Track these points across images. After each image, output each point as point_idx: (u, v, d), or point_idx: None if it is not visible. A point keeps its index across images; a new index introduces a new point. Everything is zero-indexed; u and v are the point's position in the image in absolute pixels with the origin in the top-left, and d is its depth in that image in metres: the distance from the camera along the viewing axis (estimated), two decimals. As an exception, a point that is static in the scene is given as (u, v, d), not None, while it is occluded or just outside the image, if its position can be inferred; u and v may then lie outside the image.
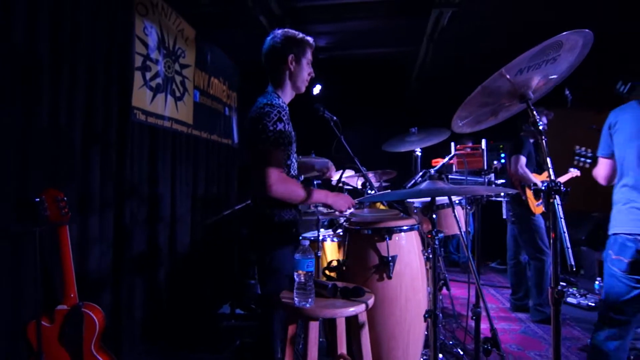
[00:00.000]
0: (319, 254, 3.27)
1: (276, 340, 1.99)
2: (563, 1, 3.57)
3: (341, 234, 2.98)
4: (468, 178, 2.27)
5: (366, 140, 4.49)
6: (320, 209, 2.90)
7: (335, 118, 2.66)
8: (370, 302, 1.69)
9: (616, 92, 4.52)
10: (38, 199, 2.00)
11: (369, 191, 3.41)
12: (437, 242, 1.59)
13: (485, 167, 2.30)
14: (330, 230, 3.42)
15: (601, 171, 2.11)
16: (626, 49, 4.37)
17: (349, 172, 3.33)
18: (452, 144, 2.84)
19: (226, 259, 4.15)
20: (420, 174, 2.72)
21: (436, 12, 3.59)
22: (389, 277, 1.92)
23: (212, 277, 3.92)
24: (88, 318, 2.13)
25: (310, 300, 1.63)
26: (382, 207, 3.75)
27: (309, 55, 2.08)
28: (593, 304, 3.97)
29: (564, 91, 4.18)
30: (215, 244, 4.12)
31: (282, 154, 1.86)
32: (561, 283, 4.08)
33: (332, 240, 3.67)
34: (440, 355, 2.40)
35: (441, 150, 3.33)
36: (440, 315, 1.68)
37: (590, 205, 3.59)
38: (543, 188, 1.28)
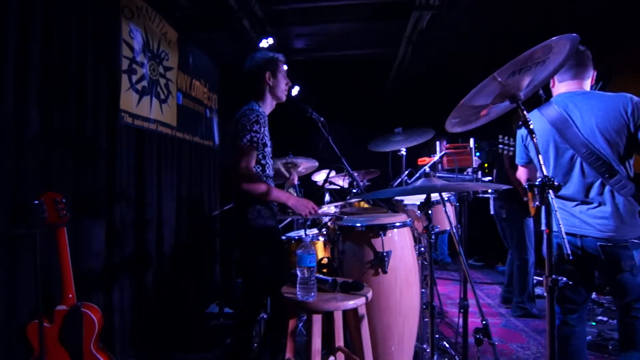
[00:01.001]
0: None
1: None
2: (540, 6, 3.74)
3: (325, 232, 3.07)
4: (457, 176, 2.38)
5: (345, 140, 4.59)
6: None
7: (322, 119, 2.75)
8: (370, 295, 1.77)
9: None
10: (37, 202, 2.01)
11: (353, 190, 3.52)
12: (432, 237, 1.68)
13: (474, 165, 2.42)
14: (314, 229, 3.50)
15: (522, 175, 2.19)
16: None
17: (332, 173, 3.42)
18: (438, 143, 2.96)
19: (211, 259, 4.16)
20: (406, 172, 2.83)
21: (416, 14, 3.71)
22: (385, 272, 2.01)
23: (199, 277, 3.94)
24: (87, 318, 2.15)
25: (312, 294, 1.70)
26: (365, 205, 3.85)
27: (282, 69, 2.37)
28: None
29: (537, 91, 4.38)
30: (199, 244, 4.13)
31: (254, 152, 2.11)
32: (536, 277, 4.24)
33: (317, 239, 3.73)
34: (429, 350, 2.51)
35: (422, 150, 3.45)
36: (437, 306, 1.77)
37: None
38: (537, 183, 1.37)
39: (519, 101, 1.57)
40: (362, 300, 1.72)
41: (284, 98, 2.36)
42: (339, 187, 3.31)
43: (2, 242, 2.06)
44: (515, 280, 3.71)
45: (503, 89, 1.55)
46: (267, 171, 2.24)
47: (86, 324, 2.14)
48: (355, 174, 3.54)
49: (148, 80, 3.33)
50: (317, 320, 1.69)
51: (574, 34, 1.35)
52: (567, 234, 1.93)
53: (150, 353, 3.00)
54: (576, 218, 1.94)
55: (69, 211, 2.35)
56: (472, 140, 2.52)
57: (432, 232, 1.70)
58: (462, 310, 2.41)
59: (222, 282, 3.74)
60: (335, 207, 4.04)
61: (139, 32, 3.22)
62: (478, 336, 1.95)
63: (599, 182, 1.89)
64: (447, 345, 2.92)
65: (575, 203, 1.95)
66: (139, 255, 3.21)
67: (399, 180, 2.75)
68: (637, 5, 3.54)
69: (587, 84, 2.01)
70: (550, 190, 1.38)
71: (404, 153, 3.00)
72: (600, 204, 1.89)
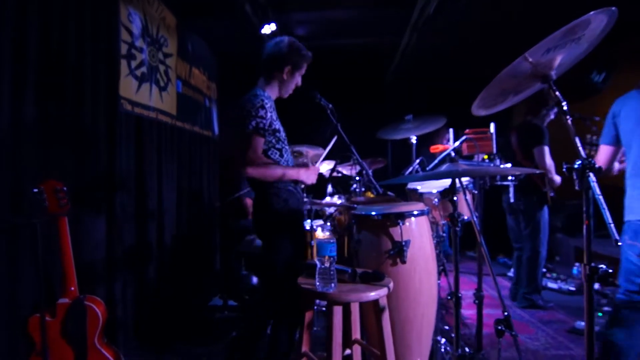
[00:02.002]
0: (312, 243, 3.26)
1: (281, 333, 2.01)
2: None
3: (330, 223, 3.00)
4: (479, 163, 2.30)
5: (344, 128, 4.49)
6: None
7: (330, 106, 2.66)
8: (391, 285, 1.70)
9: (590, 81, 4.60)
10: (36, 190, 1.90)
11: (357, 178, 3.43)
12: (459, 225, 1.61)
13: (495, 151, 2.35)
14: (319, 220, 3.42)
15: (600, 157, 2.13)
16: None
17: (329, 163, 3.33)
18: (451, 130, 2.89)
19: (212, 250, 4.08)
20: (418, 161, 2.76)
21: (423, 1, 3.62)
22: (403, 262, 1.94)
23: (201, 269, 3.85)
24: (91, 311, 2.06)
25: (333, 285, 1.63)
26: (371, 195, 3.77)
27: (303, 70, 2.26)
28: (573, 289, 4.09)
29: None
30: (201, 235, 4.04)
31: (261, 139, 2.02)
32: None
33: (323, 231, 3.65)
34: (444, 340, 2.45)
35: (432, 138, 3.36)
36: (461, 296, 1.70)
37: (565, 193, 3.71)
38: (576, 167, 1.28)
39: (551, 81, 1.48)
40: (384, 290, 1.64)
41: (286, 96, 2.27)
42: (344, 176, 3.22)
43: (1, 233, 1.96)
44: (524, 271, 3.64)
45: (534, 69, 1.45)
46: (286, 156, 2.15)
47: (90, 318, 2.05)
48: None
49: (147, 66, 3.20)
50: (337, 312, 1.61)
51: (613, 8, 1.27)
52: None
53: (154, 346, 2.92)
54: None
55: (69, 202, 2.26)
56: (492, 125, 2.45)
57: (459, 220, 1.63)
58: (476, 301, 2.35)
59: (225, 275, 3.64)
60: (340, 198, 3.95)
61: (138, 16, 3.09)
62: (500, 327, 1.88)
63: None
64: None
65: None
66: (140, 247, 3.11)
67: (410, 169, 2.67)
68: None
69: None
70: (591, 173, 1.30)
71: (415, 141, 2.92)
72: None
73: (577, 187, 1.31)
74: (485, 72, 6.21)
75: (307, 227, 3.28)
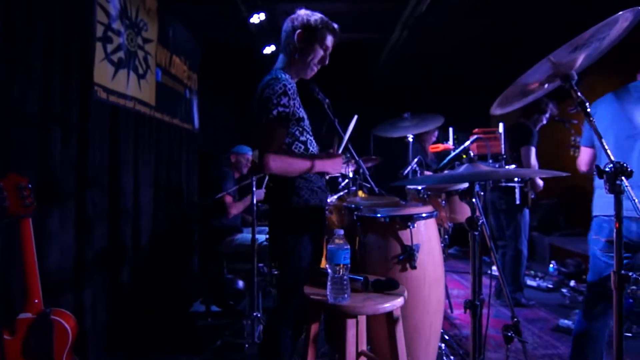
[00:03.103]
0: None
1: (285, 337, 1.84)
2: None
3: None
4: (491, 164, 2.22)
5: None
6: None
7: (327, 100, 2.51)
8: (406, 294, 1.56)
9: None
10: (-5, 186, 1.64)
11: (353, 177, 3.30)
12: (478, 230, 1.50)
13: (503, 152, 2.27)
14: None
15: (581, 158, 2.19)
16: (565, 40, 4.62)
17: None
18: (451, 129, 2.80)
19: (191, 252, 3.85)
20: (416, 160, 2.65)
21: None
22: (413, 267, 1.81)
23: (180, 273, 3.61)
24: (59, 327, 1.82)
25: (346, 295, 1.48)
26: (362, 194, 3.65)
27: (326, 40, 1.90)
28: (552, 286, 4.20)
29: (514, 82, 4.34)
30: (179, 236, 3.80)
31: (284, 130, 1.77)
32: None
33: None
34: (444, 346, 2.36)
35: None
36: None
37: (540, 193, 3.78)
38: (607, 170, 1.22)
39: (572, 81, 1.42)
40: (400, 300, 1.51)
41: (308, 75, 1.95)
42: (340, 175, 3.09)
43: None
44: (507, 270, 3.70)
45: (556, 69, 1.42)
46: (311, 148, 1.89)
47: (57, 335, 1.80)
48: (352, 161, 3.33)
49: (125, 51, 2.94)
50: (351, 325, 1.46)
51: (638, 7, 1.22)
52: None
53: (131, 357, 2.68)
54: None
55: (34, 199, 2.00)
56: (501, 125, 2.37)
57: (479, 223, 1.52)
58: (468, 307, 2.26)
59: (207, 278, 3.42)
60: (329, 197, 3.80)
61: (116, -5, 2.84)
62: (509, 334, 1.80)
63: None
64: (453, 342, 2.80)
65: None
66: (113, 250, 2.84)
67: (409, 168, 2.56)
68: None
69: None
70: (624, 177, 1.23)
71: (411, 140, 2.81)
72: None
73: (607, 191, 1.25)
74: (478, 70, 6.25)
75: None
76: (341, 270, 1.46)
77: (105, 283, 2.73)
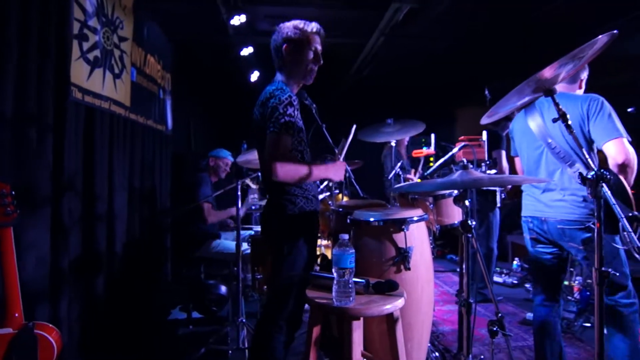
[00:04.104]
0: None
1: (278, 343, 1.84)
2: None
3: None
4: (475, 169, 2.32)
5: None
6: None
7: (315, 106, 2.55)
8: (405, 295, 1.62)
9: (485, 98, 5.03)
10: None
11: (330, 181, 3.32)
12: (473, 232, 1.57)
13: (487, 158, 2.38)
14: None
15: (517, 166, 2.39)
16: (536, 52, 4.89)
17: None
18: (433, 135, 2.89)
19: (168, 258, 3.75)
20: (399, 164, 2.72)
21: (395, 6, 3.61)
22: (407, 269, 1.87)
23: (158, 280, 3.50)
24: (43, 341, 1.73)
25: (351, 298, 1.51)
26: (346, 198, 3.70)
27: (313, 44, 1.98)
28: (516, 282, 4.43)
29: (484, 91, 4.57)
30: (154, 242, 3.69)
31: (290, 139, 1.81)
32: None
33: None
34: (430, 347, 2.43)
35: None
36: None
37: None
38: (590, 177, 1.33)
39: (554, 94, 1.55)
40: (401, 301, 1.56)
41: (309, 80, 2.01)
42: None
43: None
44: (478, 267, 3.83)
45: (540, 83, 1.55)
46: (307, 158, 1.96)
47: (42, 350, 1.71)
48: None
49: (101, 49, 2.83)
50: (357, 327, 1.49)
51: (615, 31, 1.35)
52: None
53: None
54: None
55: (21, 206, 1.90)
56: (485, 133, 2.48)
57: (473, 227, 1.59)
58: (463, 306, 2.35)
59: (189, 284, 3.33)
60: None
61: (92, -8, 2.73)
62: (494, 328, 1.89)
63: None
64: (434, 339, 2.89)
65: None
66: (89, 257, 2.72)
67: (393, 173, 2.63)
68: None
69: (575, 89, 2.16)
70: (604, 184, 1.34)
71: (394, 144, 2.88)
72: None
73: (589, 195, 1.36)
74: (453, 78, 6.40)
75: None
76: (347, 274, 1.49)
77: (80, 292, 2.61)
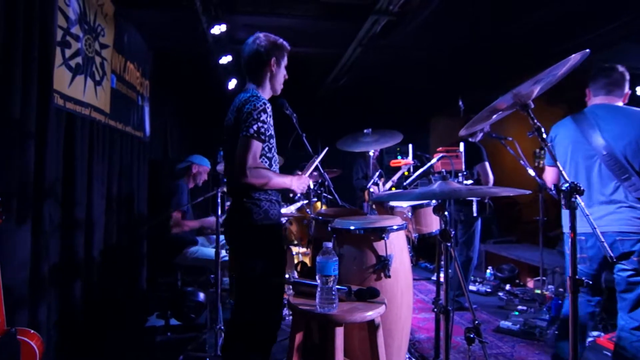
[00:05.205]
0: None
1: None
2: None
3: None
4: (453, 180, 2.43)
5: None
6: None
7: (295, 115, 2.62)
8: (386, 301, 1.69)
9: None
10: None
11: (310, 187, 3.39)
12: (452, 241, 1.66)
13: (464, 168, 2.49)
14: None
15: (547, 177, 2.42)
16: (508, 65, 5.12)
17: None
18: (410, 145, 2.99)
19: (144, 265, 3.71)
20: (377, 173, 2.81)
21: (373, 18, 3.73)
22: (388, 276, 1.94)
23: (134, 287, 3.46)
24: (26, 347, 1.74)
25: (335, 305, 1.57)
26: (324, 206, 3.76)
27: (286, 59, 2.17)
28: (490, 290, 4.56)
29: (457, 101, 4.75)
30: (131, 249, 3.65)
31: (260, 145, 1.89)
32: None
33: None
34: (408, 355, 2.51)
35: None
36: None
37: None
38: (564, 189, 1.43)
39: (529, 109, 1.65)
40: (382, 308, 1.63)
41: (279, 91, 2.17)
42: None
43: None
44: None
45: (516, 99, 1.65)
46: (274, 166, 2.03)
47: (24, 355, 1.72)
48: (314, 173, 3.43)
49: (83, 56, 2.82)
50: (339, 333, 1.55)
51: (587, 50, 1.46)
52: None
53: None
54: None
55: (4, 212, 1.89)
56: (462, 145, 2.60)
57: (452, 236, 1.68)
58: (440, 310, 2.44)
59: (167, 291, 3.32)
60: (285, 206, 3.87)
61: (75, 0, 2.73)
62: (471, 335, 1.98)
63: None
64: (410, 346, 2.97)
65: None
66: (67, 264, 2.69)
67: (370, 182, 2.71)
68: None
69: (619, 101, 2.21)
70: (577, 196, 1.44)
71: (372, 154, 2.98)
72: None
73: (563, 206, 1.46)
74: (430, 88, 6.54)
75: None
76: (330, 281, 1.55)
77: (58, 298, 2.59)
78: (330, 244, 1.59)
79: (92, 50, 2.97)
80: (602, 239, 1.42)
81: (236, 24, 4.10)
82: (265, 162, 1.97)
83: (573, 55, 1.46)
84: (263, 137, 1.87)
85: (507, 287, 4.65)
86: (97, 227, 3.08)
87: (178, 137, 5.45)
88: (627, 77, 2.23)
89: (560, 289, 3.63)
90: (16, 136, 2.14)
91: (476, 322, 2.03)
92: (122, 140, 3.64)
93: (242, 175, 1.82)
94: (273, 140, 2.04)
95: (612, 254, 1.51)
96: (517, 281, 4.86)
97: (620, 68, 2.24)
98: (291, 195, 2.07)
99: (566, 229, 2.27)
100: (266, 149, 1.96)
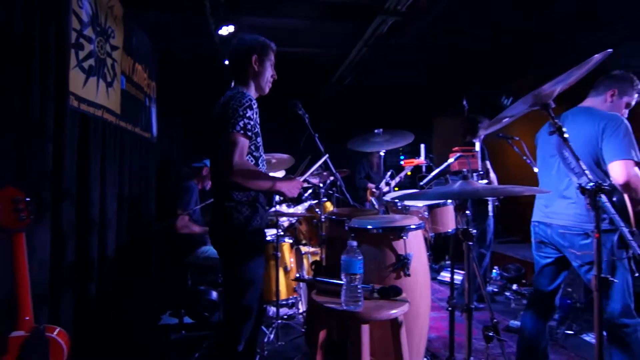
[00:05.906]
0: (278, 254, 3.17)
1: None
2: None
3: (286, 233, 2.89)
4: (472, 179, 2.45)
5: (279, 136, 4.43)
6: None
7: (307, 115, 2.64)
8: (409, 300, 1.71)
9: (500, 104, 5.32)
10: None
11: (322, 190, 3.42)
12: (473, 239, 1.68)
13: (480, 168, 2.52)
14: (272, 229, 3.34)
15: None
16: (511, 67, 5.16)
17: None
18: (423, 145, 3.02)
19: (156, 264, 3.73)
20: (389, 173, 2.84)
21: (380, 19, 3.75)
22: (407, 275, 1.97)
23: (148, 285, 3.48)
24: (54, 344, 1.76)
25: (360, 303, 1.59)
26: (331, 206, 3.78)
27: (271, 57, 2.12)
28: (497, 290, 4.57)
29: (462, 101, 4.78)
30: (143, 248, 3.67)
31: (247, 142, 1.86)
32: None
33: (283, 242, 3.58)
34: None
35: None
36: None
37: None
38: (589, 188, 1.44)
39: (550, 108, 1.67)
40: (406, 306, 1.66)
41: (266, 90, 2.12)
42: (312, 185, 3.20)
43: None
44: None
45: (537, 98, 1.65)
46: (261, 165, 1.99)
47: (53, 352, 1.74)
48: (324, 173, 3.45)
49: (95, 58, 2.84)
50: (365, 330, 1.58)
51: (610, 50, 1.47)
52: None
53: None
54: None
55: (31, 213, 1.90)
56: (478, 144, 2.62)
57: (474, 234, 1.71)
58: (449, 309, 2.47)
59: (181, 290, 3.34)
60: (290, 207, 3.89)
61: (87, 2, 2.73)
62: (490, 333, 2.01)
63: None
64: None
65: None
66: (82, 263, 2.72)
67: (383, 182, 2.74)
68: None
69: (595, 101, 2.23)
70: (603, 195, 1.45)
71: (382, 154, 3.00)
72: None
73: (588, 206, 1.47)
74: (436, 88, 6.56)
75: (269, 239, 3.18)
76: (356, 279, 1.58)
77: (74, 297, 2.61)
78: (355, 243, 1.61)
79: (104, 52, 2.98)
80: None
81: (241, 25, 4.12)
82: (251, 160, 1.92)
83: (595, 55, 1.46)
84: (250, 133, 1.83)
85: (514, 286, 4.67)
86: (110, 226, 3.11)
87: (184, 138, 5.47)
88: (608, 81, 2.23)
89: (569, 289, 3.65)
90: (36, 138, 2.16)
91: (494, 320, 2.06)
92: (132, 141, 3.66)
93: (229, 172, 1.75)
94: (260, 139, 2.00)
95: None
96: (524, 281, 4.89)
97: (618, 72, 2.26)
98: (281, 198, 2.04)
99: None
100: (252, 147, 1.92)
